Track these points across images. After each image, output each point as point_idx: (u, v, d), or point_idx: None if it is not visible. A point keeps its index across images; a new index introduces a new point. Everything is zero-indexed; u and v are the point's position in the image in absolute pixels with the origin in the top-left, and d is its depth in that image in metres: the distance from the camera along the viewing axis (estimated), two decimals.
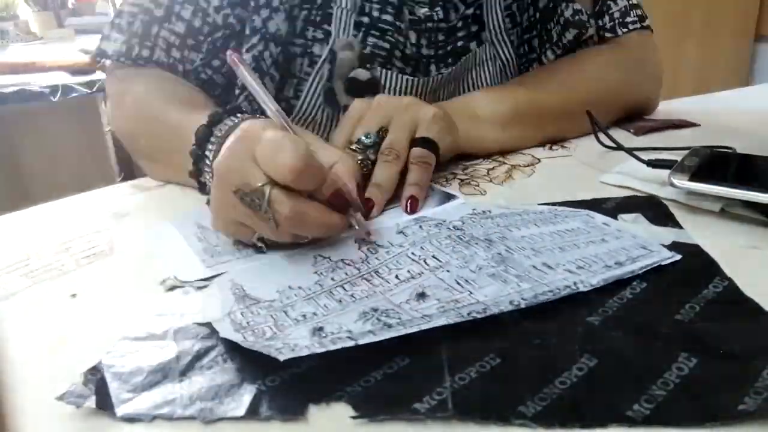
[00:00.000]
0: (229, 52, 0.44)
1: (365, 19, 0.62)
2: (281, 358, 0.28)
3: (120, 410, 0.28)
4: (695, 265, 0.38)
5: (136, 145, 0.61)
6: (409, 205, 0.47)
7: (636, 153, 0.52)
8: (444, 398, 0.28)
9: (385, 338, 0.30)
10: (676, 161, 0.48)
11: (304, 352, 0.29)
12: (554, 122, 0.63)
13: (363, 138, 0.49)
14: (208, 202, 0.45)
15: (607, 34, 0.70)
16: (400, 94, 0.64)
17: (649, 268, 0.37)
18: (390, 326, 0.31)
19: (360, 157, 0.48)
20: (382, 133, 0.49)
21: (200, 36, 0.61)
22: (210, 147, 0.44)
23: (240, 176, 0.38)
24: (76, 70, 1.54)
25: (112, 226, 0.49)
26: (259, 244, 0.42)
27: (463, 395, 0.28)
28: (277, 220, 0.38)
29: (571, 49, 0.68)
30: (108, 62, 0.63)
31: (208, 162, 0.44)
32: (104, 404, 0.28)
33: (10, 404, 0.30)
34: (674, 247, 0.39)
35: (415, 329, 0.31)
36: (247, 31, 0.60)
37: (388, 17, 0.62)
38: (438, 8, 0.65)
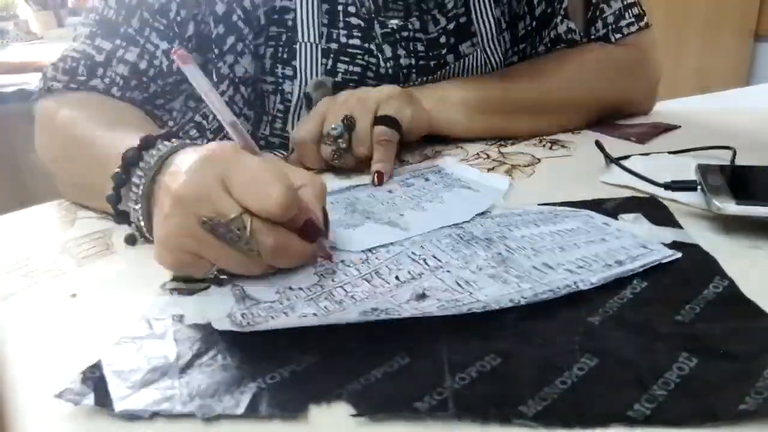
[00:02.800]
0: (174, 49, 0.39)
1: (333, 45, 0.62)
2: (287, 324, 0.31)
3: (119, 407, 0.28)
4: (695, 265, 0.38)
5: (61, 173, 0.56)
6: (376, 178, 0.53)
7: (644, 158, 0.52)
8: (444, 398, 0.28)
9: (381, 318, 0.32)
10: (695, 181, 0.45)
11: (312, 321, 0.31)
12: (526, 117, 0.65)
13: (330, 131, 0.53)
14: (130, 240, 0.44)
15: (599, 43, 0.69)
16: None
17: (649, 266, 0.37)
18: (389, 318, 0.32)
19: (332, 148, 0.54)
20: (347, 121, 0.54)
21: (144, 78, 0.58)
22: (139, 173, 0.40)
23: (210, 205, 0.35)
24: None
25: (112, 226, 0.49)
26: (222, 276, 0.38)
27: (464, 395, 0.28)
28: (262, 252, 0.36)
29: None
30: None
31: (134, 189, 0.40)
32: (103, 401, 0.28)
33: (10, 404, 0.30)
34: (674, 246, 0.39)
35: (408, 315, 0.32)
36: (215, 78, 0.60)
37: (355, 41, 0.62)
38: (413, 19, 0.63)
